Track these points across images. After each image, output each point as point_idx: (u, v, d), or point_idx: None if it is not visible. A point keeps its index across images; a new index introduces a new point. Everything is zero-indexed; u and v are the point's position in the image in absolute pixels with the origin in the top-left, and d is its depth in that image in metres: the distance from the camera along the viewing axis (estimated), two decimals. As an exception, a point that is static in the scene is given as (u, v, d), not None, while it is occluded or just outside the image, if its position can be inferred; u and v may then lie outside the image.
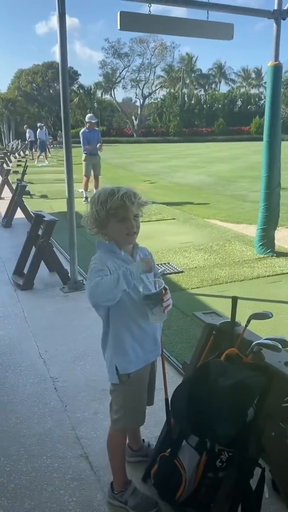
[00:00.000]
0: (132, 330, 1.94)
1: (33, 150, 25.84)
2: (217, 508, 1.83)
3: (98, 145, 10.37)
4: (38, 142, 23.21)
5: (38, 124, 24.50)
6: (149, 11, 4.67)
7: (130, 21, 4.64)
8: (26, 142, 27.66)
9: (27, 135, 26.60)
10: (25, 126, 30.99)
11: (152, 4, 4.68)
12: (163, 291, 1.86)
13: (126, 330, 1.93)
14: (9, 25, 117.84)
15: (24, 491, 2.22)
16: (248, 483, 1.80)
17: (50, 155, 26.90)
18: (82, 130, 10.44)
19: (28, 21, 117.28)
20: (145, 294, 1.88)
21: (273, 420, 1.79)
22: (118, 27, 4.52)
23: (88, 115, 10.84)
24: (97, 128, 10.77)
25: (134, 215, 1.88)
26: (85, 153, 10.37)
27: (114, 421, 2.07)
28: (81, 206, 9.54)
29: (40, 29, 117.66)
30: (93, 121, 10.39)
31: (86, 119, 10.58)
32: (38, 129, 23.42)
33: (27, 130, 26.65)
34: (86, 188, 10.68)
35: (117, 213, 1.85)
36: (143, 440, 2.43)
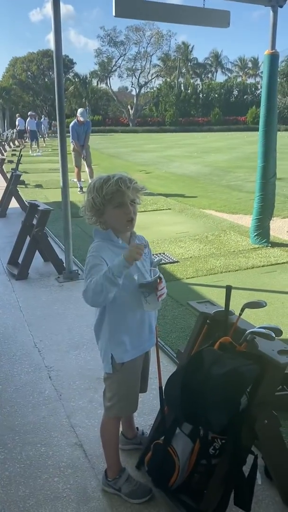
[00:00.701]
0: (128, 319, 1.94)
1: (24, 139, 25.70)
2: (210, 495, 1.85)
3: (83, 152, 10.52)
4: (29, 131, 22.92)
5: (29, 113, 23.99)
6: (145, -3, 4.61)
7: (125, 7, 4.58)
8: (15, 131, 27.52)
9: (17, 123, 26.50)
10: (17, 114, 30.81)
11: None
12: (158, 280, 1.86)
13: (122, 319, 1.94)
14: (3, 12, 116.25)
15: (19, 478, 2.24)
16: (241, 470, 1.81)
17: (44, 145, 26.73)
18: (72, 123, 10.40)
19: (22, 8, 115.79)
20: (140, 282, 1.89)
21: (266, 408, 1.81)
22: (113, 13, 4.45)
23: (80, 110, 10.71)
24: (88, 120, 10.71)
25: (130, 200, 1.87)
26: (72, 143, 10.40)
27: (107, 409, 2.08)
28: (76, 196, 9.50)
29: (35, 16, 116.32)
30: (81, 119, 10.32)
31: (78, 114, 10.51)
32: (28, 118, 22.93)
33: (17, 119, 26.52)
34: (79, 178, 10.67)
35: (113, 199, 1.84)
36: (137, 428, 2.45)
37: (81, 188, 10.55)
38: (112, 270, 1.73)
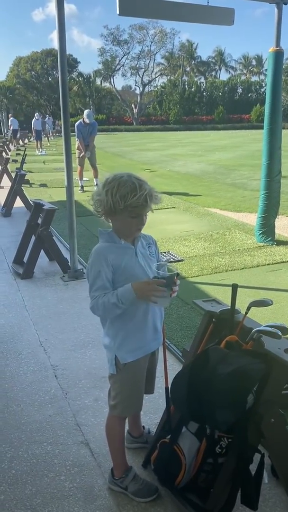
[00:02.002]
0: (130, 320, 1.94)
1: (17, 139, 26.07)
2: (216, 494, 1.85)
3: (87, 152, 10.50)
4: (34, 131, 23.31)
5: (35, 114, 24.70)
6: (149, -5, 4.60)
7: (129, 6, 4.56)
8: (9, 131, 27.75)
9: (9, 123, 26.78)
10: (10, 115, 31.13)
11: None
12: (175, 276, 1.83)
13: (124, 320, 1.93)
14: (6, 12, 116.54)
15: (25, 477, 2.24)
16: (247, 469, 1.81)
17: (49, 144, 26.85)
18: (78, 122, 10.41)
19: (25, 8, 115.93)
20: (157, 275, 1.82)
21: (272, 407, 1.80)
22: (117, 12, 4.44)
23: (86, 111, 10.73)
24: (94, 121, 10.72)
25: (147, 212, 1.87)
26: (77, 141, 10.44)
27: (111, 407, 2.08)
28: (80, 195, 9.52)
29: (37, 16, 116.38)
30: (87, 121, 10.33)
31: (84, 115, 10.52)
32: (34, 118, 23.58)
33: (10, 119, 26.86)
34: (80, 177, 10.68)
35: (134, 211, 1.82)
36: (143, 426, 2.45)
37: (82, 187, 10.57)
38: (121, 299, 1.79)
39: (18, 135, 26.23)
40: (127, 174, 1.84)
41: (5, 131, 37.32)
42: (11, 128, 26.61)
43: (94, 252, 1.90)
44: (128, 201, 1.77)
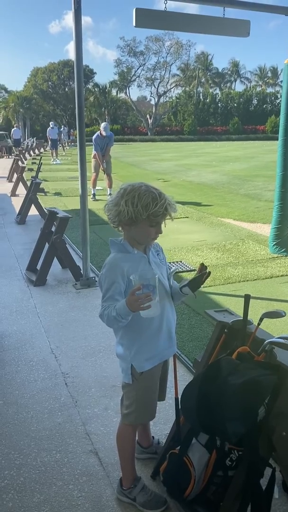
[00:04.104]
0: (146, 327, 1.93)
1: (20, 148, 26.75)
2: (226, 507, 1.81)
3: (104, 164, 10.67)
4: (50, 139, 23.87)
5: (50, 123, 25.38)
6: (165, 7, 4.64)
7: (145, 18, 4.61)
8: (11, 140, 28.51)
9: (12, 133, 27.62)
10: (14, 124, 32.09)
11: (167, 1, 4.65)
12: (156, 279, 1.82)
13: (139, 328, 1.92)
14: (25, 24, 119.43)
15: (34, 485, 2.24)
16: (258, 483, 1.78)
17: (64, 153, 27.22)
18: (95, 135, 10.56)
19: (42, 20, 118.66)
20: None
21: (284, 420, 1.77)
22: (134, 24, 4.49)
23: (103, 124, 10.90)
24: (111, 133, 10.84)
25: (164, 220, 1.89)
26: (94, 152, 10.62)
27: (124, 416, 2.06)
28: (94, 204, 9.58)
29: (54, 28, 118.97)
30: (104, 134, 10.47)
31: (101, 127, 10.67)
32: (50, 127, 24.18)
33: (13, 130, 27.82)
34: (94, 185, 10.76)
35: (155, 220, 1.84)
36: (153, 437, 2.43)
37: (94, 195, 10.64)
38: (120, 314, 1.79)
39: (27, 144, 26.97)
40: (143, 184, 1.85)
41: (22, 140, 38.10)
42: (13, 138, 27.51)
43: (109, 263, 1.90)
44: (150, 210, 1.79)
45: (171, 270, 2.09)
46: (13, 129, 28.99)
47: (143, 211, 1.79)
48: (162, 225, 1.91)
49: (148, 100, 70.95)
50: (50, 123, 25.31)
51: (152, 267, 1.94)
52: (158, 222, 1.86)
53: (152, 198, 1.79)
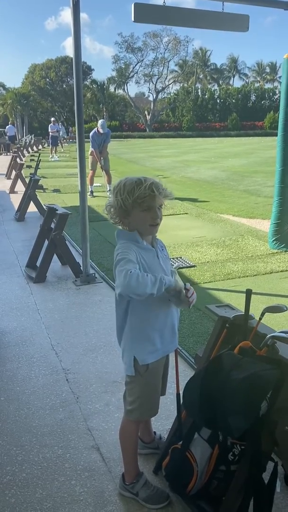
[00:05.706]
0: (152, 320, 1.94)
1: (15, 144, 26.81)
2: (228, 502, 1.82)
3: (101, 159, 10.69)
4: (50, 136, 23.77)
5: (52, 119, 25.19)
6: (164, 2, 4.62)
7: (144, 12, 4.58)
8: (6, 137, 28.54)
9: (6, 130, 27.62)
10: (10, 121, 32.14)
11: (167, -4, 4.62)
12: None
13: (145, 320, 1.93)
14: (20, 22, 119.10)
15: (36, 480, 2.24)
16: (260, 477, 1.78)
17: (62, 150, 27.16)
18: (92, 132, 10.56)
19: (38, 17, 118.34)
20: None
21: (286, 414, 1.77)
22: (132, 18, 4.46)
23: (100, 121, 10.87)
24: (108, 130, 10.83)
25: (159, 205, 1.88)
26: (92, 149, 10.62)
27: (128, 412, 2.06)
28: (93, 200, 9.57)
29: (50, 25, 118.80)
30: (101, 131, 10.46)
31: (98, 125, 10.66)
32: (51, 124, 24.01)
33: (7, 127, 27.84)
34: (91, 182, 10.74)
35: (144, 202, 1.84)
36: (155, 432, 2.43)
37: (91, 192, 10.62)
38: (164, 281, 1.75)
39: (25, 141, 27.02)
40: (134, 176, 1.89)
41: (19, 137, 38.04)
42: (7, 135, 27.51)
43: (120, 248, 1.84)
44: (135, 193, 1.81)
45: (174, 266, 2.09)
46: (7, 126, 28.94)
47: (129, 196, 1.83)
48: (163, 223, 1.91)
49: (146, 96, 70.84)
50: (51, 119, 25.24)
51: (159, 260, 1.95)
52: (149, 206, 1.85)
53: (136, 182, 1.84)
